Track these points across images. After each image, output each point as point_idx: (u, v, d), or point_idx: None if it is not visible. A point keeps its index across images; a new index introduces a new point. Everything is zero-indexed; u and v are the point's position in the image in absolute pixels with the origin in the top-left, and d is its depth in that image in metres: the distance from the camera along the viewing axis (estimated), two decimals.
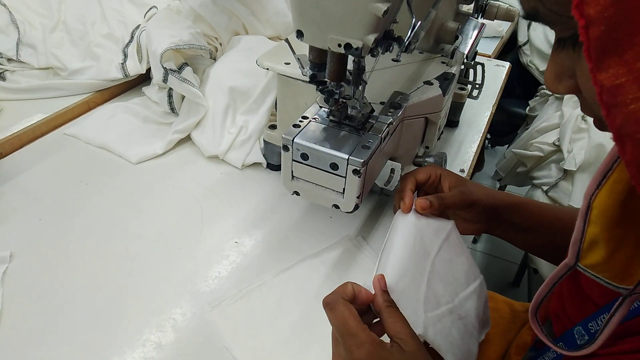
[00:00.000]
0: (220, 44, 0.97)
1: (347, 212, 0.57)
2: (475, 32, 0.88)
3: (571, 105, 1.40)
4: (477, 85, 0.93)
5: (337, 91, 0.53)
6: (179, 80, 0.83)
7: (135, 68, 0.94)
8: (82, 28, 0.97)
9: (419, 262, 0.49)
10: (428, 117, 0.69)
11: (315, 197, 0.58)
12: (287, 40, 0.55)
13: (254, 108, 0.85)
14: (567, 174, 1.28)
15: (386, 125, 0.57)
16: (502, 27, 1.53)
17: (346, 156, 0.52)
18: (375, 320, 0.46)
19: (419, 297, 0.47)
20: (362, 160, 0.52)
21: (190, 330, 0.57)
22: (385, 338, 0.42)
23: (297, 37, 0.49)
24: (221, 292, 0.62)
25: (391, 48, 0.51)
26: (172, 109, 0.90)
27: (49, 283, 0.61)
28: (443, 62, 0.75)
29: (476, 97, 0.94)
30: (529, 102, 1.75)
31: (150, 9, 0.99)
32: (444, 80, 0.69)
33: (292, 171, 0.57)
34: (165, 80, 0.84)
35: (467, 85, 0.94)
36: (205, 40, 0.92)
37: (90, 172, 0.79)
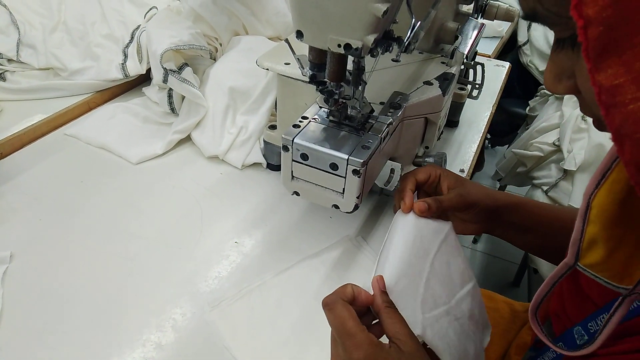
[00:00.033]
0: (220, 44, 0.97)
1: (347, 212, 0.57)
2: (475, 32, 0.88)
3: (571, 105, 1.40)
4: (477, 86, 0.93)
5: (337, 91, 0.53)
6: (179, 80, 0.83)
7: (135, 68, 0.94)
8: (82, 28, 0.97)
9: (418, 262, 0.49)
10: (428, 117, 0.69)
11: (315, 197, 0.58)
12: (287, 41, 0.55)
13: (254, 108, 0.85)
14: (567, 174, 1.28)
15: (386, 126, 0.57)
16: (502, 27, 1.53)
17: (346, 156, 0.52)
18: (374, 322, 0.46)
19: (417, 297, 0.47)
20: (362, 161, 0.52)
21: (190, 330, 0.57)
22: (385, 339, 0.42)
23: (297, 37, 0.49)
24: (221, 292, 0.62)
25: (391, 48, 0.51)
26: (172, 109, 0.90)
27: (49, 283, 0.61)
28: (443, 62, 0.75)
29: (476, 97, 0.94)
30: (529, 102, 1.75)
31: (151, 9, 0.99)
32: (444, 80, 0.69)
33: (292, 171, 0.57)
34: (165, 80, 0.84)
35: (467, 86, 0.94)
36: (205, 40, 0.92)
37: (90, 173, 0.79)
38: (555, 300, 0.54)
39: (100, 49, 0.95)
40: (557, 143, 1.35)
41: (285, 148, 0.55)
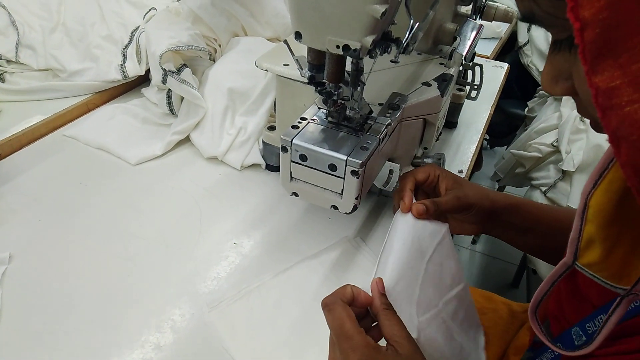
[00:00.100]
0: (219, 45, 0.97)
1: (345, 213, 0.57)
2: (474, 33, 0.89)
3: (569, 106, 1.40)
4: (475, 87, 0.93)
5: (336, 92, 0.54)
6: (178, 81, 0.83)
7: (134, 69, 0.94)
8: (81, 29, 0.97)
9: (415, 264, 0.49)
10: (426, 118, 0.69)
11: (313, 198, 0.58)
12: (285, 42, 0.56)
13: (252, 109, 0.85)
14: (565, 175, 1.28)
15: (384, 127, 0.58)
16: (500, 28, 1.54)
17: (345, 157, 0.52)
18: (373, 324, 0.46)
19: (412, 300, 0.47)
20: (361, 161, 0.52)
21: (189, 331, 0.57)
22: (383, 342, 0.42)
23: (295, 38, 0.49)
24: (220, 293, 0.62)
25: (389, 49, 0.51)
26: (171, 110, 0.90)
27: (48, 284, 0.61)
28: (441, 64, 0.75)
29: (475, 98, 0.94)
30: (528, 103, 1.75)
31: (150, 10, 0.99)
32: (442, 81, 0.69)
33: (290, 172, 0.57)
34: (164, 81, 0.84)
35: (465, 87, 0.94)
36: (204, 41, 0.92)
37: (89, 174, 0.79)
38: (553, 302, 0.54)
39: (99, 50, 0.95)
40: (555, 144, 1.35)
41: (284, 149, 0.55)
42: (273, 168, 0.83)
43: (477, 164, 0.93)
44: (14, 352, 0.53)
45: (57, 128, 0.88)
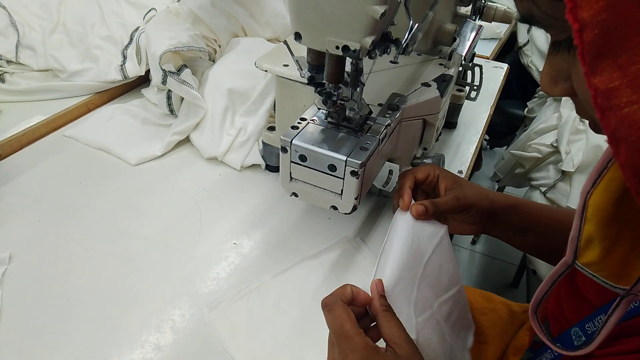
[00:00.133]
0: (219, 46, 0.97)
1: (345, 214, 0.57)
2: (473, 34, 0.89)
3: (569, 107, 1.40)
4: (475, 87, 0.93)
5: (335, 93, 0.54)
6: (177, 82, 0.84)
7: (134, 70, 0.94)
8: (81, 30, 0.97)
9: (414, 265, 0.50)
10: (426, 119, 0.69)
11: (313, 198, 0.58)
12: (285, 42, 0.56)
13: (252, 110, 0.85)
14: (565, 175, 1.28)
15: (384, 127, 0.58)
16: (500, 29, 1.54)
17: (344, 157, 0.52)
18: (372, 325, 0.46)
19: (411, 301, 0.47)
20: (360, 162, 0.52)
21: (189, 331, 0.57)
22: (382, 343, 0.42)
23: (295, 39, 0.49)
24: (220, 293, 0.62)
25: (389, 50, 0.51)
26: (171, 111, 0.90)
27: (48, 284, 0.61)
28: (441, 64, 0.75)
29: (474, 99, 0.94)
30: (527, 103, 1.75)
31: (149, 11, 0.99)
32: (442, 82, 0.69)
33: (290, 172, 0.57)
34: (164, 82, 0.84)
35: (465, 87, 0.94)
36: (204, 42, 0.92)
37: (89, 174, 0.79)
38: (553, 302, 0.54)
39: (99, 51, 0.95)
40: (555, 144, 1.35)
41: (284, 149, 0.55)
42: (273, 168, 0.83)
43: (477, 164, 0.93)
44: (14, 352, 0.54)
45: (57, 128, 0.88)
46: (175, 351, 0.55)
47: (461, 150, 0.93)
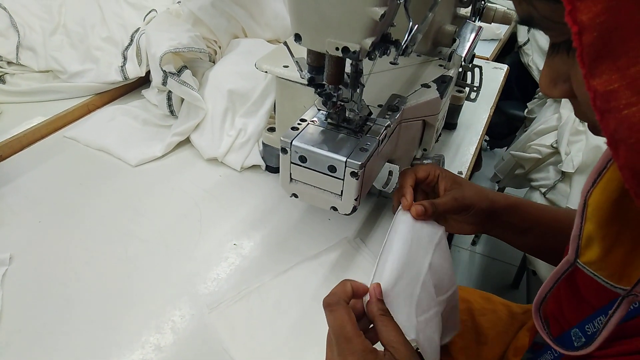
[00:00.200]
0: (220, 47, 0.97)
1: (345, 214, 0.57)
2: (473, 35, 0.89)
3: (569, 108, 1.40)
4: (475, 88, 0.93)
5: (335, 94, 0.54)
6: (178, 83, 0.84)
7: (134, 71, 0.94)
8: (82, 31, 0.97)
9: (415, 265, 0.50)
10: (426, 120, 0.69)
11: (313, 199, 0.58)
12: (285, 44, 0.56)
13: (252, 111, 0.85)
14: (564, 176, 1.28)
15: (384, 128, 0.58)
16: (500, 30, 1.54)
17: (344, 158, 0.52)
18: (370, 326, 0.46)
19: (412, 300, 0.47)
20: (360, 163, 0.52)
21: (189, 332, 0.57)
22: (380, 345, 0.42)
23: (295, 40, 0.49)
24: (220, 294, 0.62)
25: (389, 51, 0.51)
26: (172, 112, 0.90)
27: (48, 285, 0.61)
28: (441, 65, 0.75)
29: (474, 100, 0.94)
30: (527, 104, 1.75)
31: (150, 12, 1.00)
32: (442, 83, 0.69)
33: (290, 173, 0.57)
34: (164, 83, 0.84)
35: (465, 88, 0.94)
36: (204, 43, 0.92)
37: (89, 175, 0.79)
38: (553, 303, 0.54)
39: (99, 52, 0.95)
40: (555, 145, 1.35)
41: (284, 150, 0.55)
42: (273, 169, 0.83)
43: (477, 165, 0.94)
44: (14, 353, 0.54)
45: (57, 129, 0.88)
46: (175, 352, 0.55)
47: (461, 151, 0.93)
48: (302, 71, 0.55)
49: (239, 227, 0.72)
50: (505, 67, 1.30)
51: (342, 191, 0.55)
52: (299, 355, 0.56)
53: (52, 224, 0.70)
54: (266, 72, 0.71)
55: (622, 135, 0.25)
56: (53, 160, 0.81)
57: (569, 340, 0.47)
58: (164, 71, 0.83)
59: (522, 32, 1.81)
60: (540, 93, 1.70)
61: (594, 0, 0.23)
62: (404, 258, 0.49)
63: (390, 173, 0.67)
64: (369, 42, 0.46)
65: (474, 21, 0.89)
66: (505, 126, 1.99)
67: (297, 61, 0.55)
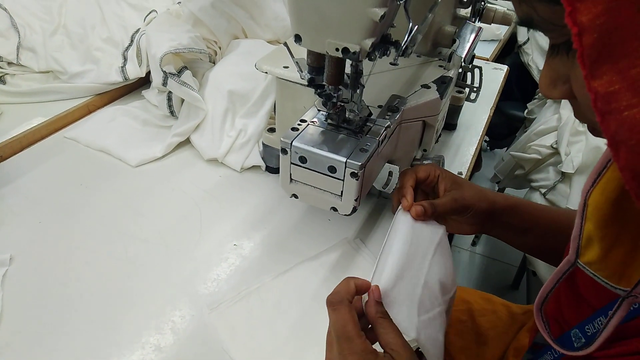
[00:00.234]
0: (220, 48, 0.97)
1: (345, 215, 0.57)
2: (473, 36, 0.89)
3: (569, 108, 1.40)
4: (474, 89, 0.94)
5: (335, 95, 0.54)
6: (178, 83, 0.84)
7: (135, 71, 0.94)
8: (82, 32, 0.98)
9: (416, 264, 0.50)
10: (426, 120, 0.69)
11: (313, 199, 0.58)
12: (285, 44, 0.56)
13: (253, 111, 0.85)
14: (564, 177, 1.28)
15: (384, 129, 0.58)
16: (499, 31, 1.54)
17: (344, 159, 0.52)
18: (369, 326, 0.46)
19: (414, 300, 0.47)
20: (360, 163, 0.52)
21: (189, 332, 0.57)
22: (379, 346, 0.42)
23: (295, 41, 0.49)
24: (220, 295, 0.62)
25: (388, 52, 0.51)
26: (172, 112, 0.90)
27: (48, 285, 0.61)
28: (440, 66, 0.75)
29: (474, 100, 0.94)
30: (527, 104, 1.75)
31: (150, 12, 1.00)
32: (442, 83, 0.69)
33: (290, 174, 0.57)
34: (164, 83, 0.84)
35: (464, 89, 0.94)
36: (204, 44, 0.92)
37: (89, 175, 0.79)
38: (553, 304, 0.54)
39: (100, 53, 0.96)
40: (555, 146, 1.35)
41: (284, 151, 0.55)
42: (273, 170, 0.83)
43: (477, 165, 0.94)
44: (14, 353, 0.54)
45: (57, 130, 0.89)
46: (176, 352, 0.55)
47: (461, 152, 0.93)
48: (302, 72, 0.55)
49: (239, 228, 0.72)
50: (505, 67, 1.30)
51: (342, 192, 0.55)
52: (299, 356, 0.56)
53: (53, 225, 0.70)
54: (266, 72, 0.71)
55: (623, 137, 0.25)
56: (53, 161, 0.81)
57: (569, 340, 0.47)
58: (164, 72, 0.83)
59: (522, 32, 1.82)
60: (540, 94, 1.70)
61: (594, 2, 0.23)
62: (404, 258, 0.49)
63: (390, 173, 0.67)
64: (368, 42, 0.46)
65: (474, 22, 0.89)
66: (505, 127, 1.99)
67: (297, 62, 0.56)
